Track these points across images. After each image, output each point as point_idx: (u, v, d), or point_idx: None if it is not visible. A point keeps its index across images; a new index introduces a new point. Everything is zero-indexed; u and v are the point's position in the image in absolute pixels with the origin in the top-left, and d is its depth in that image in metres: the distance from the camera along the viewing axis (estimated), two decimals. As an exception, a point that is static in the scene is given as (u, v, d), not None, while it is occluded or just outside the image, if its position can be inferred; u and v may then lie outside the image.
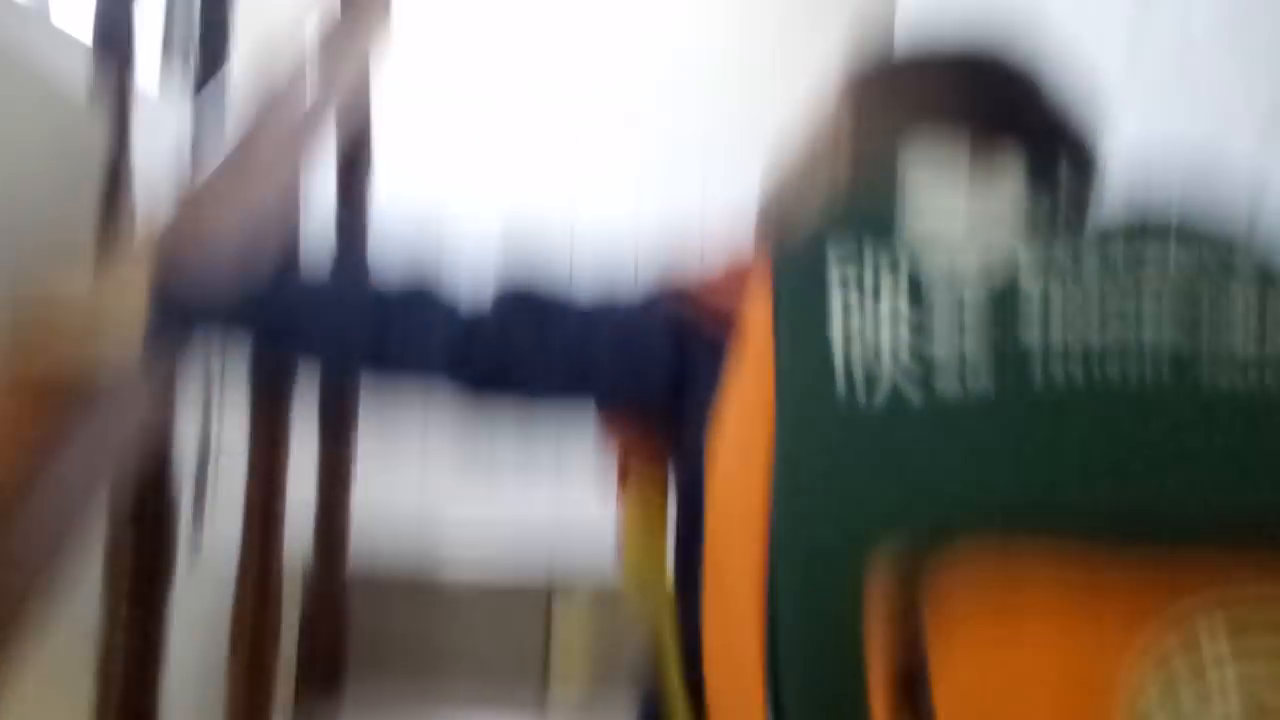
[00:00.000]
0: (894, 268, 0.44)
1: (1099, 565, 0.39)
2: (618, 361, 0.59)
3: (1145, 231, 0.46)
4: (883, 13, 2.65)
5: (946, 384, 0.41)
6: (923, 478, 0.41)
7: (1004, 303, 0.43)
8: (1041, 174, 0.50)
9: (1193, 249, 0.45)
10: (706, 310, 0.56)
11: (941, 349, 0.42)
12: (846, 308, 0.43)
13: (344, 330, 0.62)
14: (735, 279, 0.54)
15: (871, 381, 0.42)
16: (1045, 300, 0.43)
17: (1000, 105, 0.61)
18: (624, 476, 0.63)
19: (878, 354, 0.42)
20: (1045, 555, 0.39)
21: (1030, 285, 0.43)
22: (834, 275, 0.44)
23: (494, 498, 1.89)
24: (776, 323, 0.45)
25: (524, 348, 0.58)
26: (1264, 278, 0.45)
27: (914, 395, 0.41)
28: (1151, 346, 0.42)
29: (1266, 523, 0.41)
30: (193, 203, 0.84)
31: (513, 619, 1.56)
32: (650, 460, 0.61)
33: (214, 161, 0.90)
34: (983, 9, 1.56)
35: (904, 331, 0.42)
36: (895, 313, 0.43)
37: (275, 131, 0.98)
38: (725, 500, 0.47)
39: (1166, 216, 0.47)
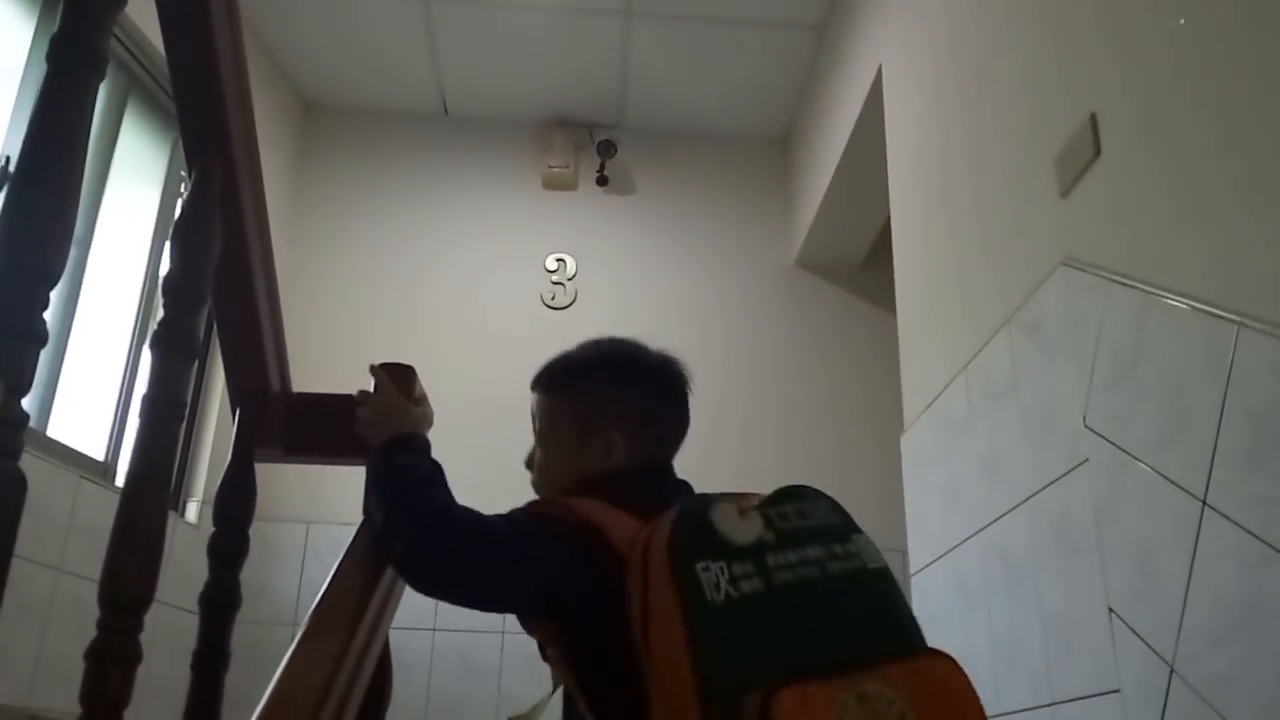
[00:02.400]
0: (722, 552, 0.89)
1: (831, 680, 0.82)
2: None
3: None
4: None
5: (753, 594, 0.88)
6: (760, 653, 0.85)
7: (776, 567, 0.91)
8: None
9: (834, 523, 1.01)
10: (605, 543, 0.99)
11: (749, 585, 0.88)
12: (705, 569, 0.88)
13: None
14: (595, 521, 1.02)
15: (727, 599, 0.86)
16: (793, 554, 0.92)
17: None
18: (545, 653, 1.08)
19: (720, 587, 0.87)
20: (809, 681, 0.82)
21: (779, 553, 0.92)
22: (698, 558, 0.88)
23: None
24: (676, 572, 0.88)
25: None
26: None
27: (745, 607, 0.87)
28: (840, 569, 0.94)
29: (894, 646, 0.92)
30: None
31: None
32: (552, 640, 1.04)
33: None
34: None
35: (729, 578, 0.88)
36: (726, 568, 0.88)
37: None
38: (664, 661, 0.87)
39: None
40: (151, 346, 1.08)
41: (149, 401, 1.05)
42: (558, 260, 3.87)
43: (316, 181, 3.98)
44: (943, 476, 2.18)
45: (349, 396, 1.38)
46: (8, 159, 2.64)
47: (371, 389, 1.30)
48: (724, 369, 3.80)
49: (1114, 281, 1.53)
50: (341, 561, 1.16)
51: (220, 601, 1.25)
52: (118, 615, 0.96)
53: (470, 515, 1.04)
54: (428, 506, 1.07)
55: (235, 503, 1.29)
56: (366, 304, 3.77)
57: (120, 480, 2.93)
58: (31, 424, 2.64)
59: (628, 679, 0.90)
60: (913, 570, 2.31)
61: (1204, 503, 1.27)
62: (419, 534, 1.04)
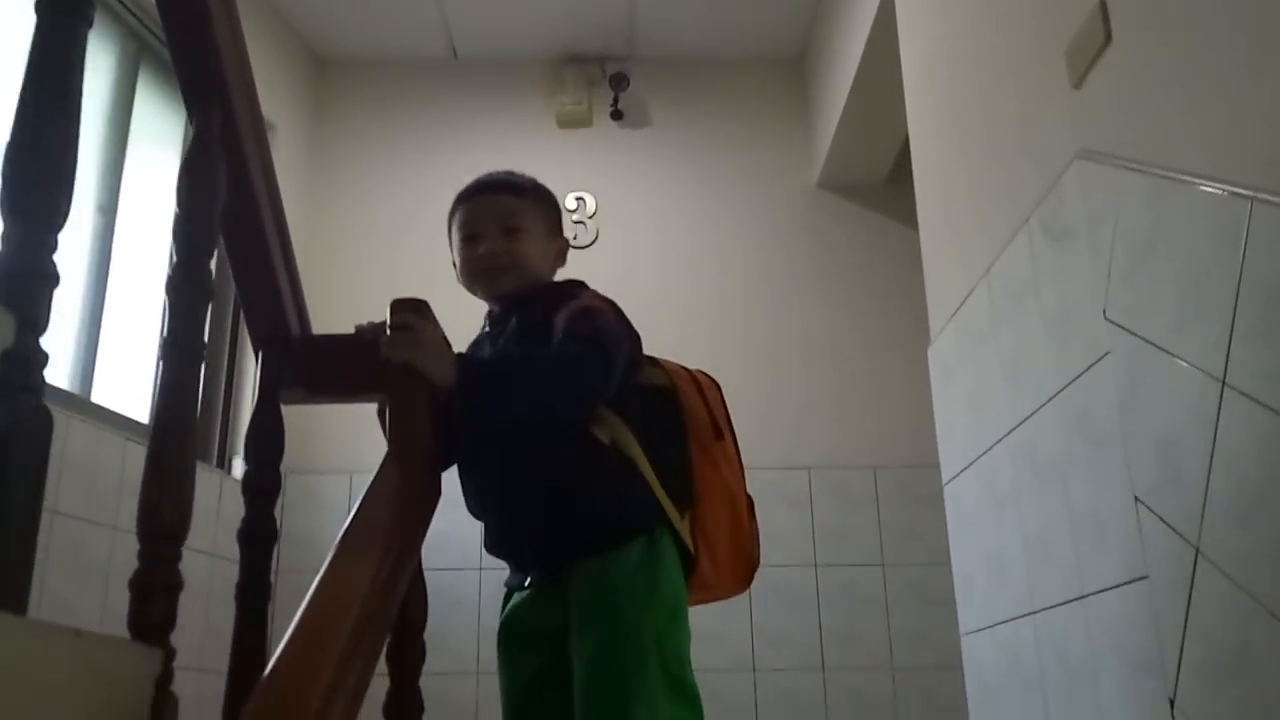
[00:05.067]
0: None
1: None
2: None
3: None
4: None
5: None
6: None
7: None
8: None
9: None
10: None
11: None
12: None
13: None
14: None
15: None
16: None
17: None
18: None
19: None
20: None
21: None
22: None
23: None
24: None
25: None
26: None
27: None
28: None
29: None
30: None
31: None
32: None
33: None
34: None
35: None
36: None
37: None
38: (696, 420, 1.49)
39: None
40: (166, 290, 1.11)
41: (168, 344, 1.08)
42: (577, 199, 3.87)
43: (333, 135, 3.99)
44: (969, 384, 2.18)
45: (363, 335, 1.41)
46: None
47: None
48: (749, 295, 3.79)
49: (1128, 169, 1.51)
50: (367, 491, 1.19)
51: (258, 536, 1.30)
52: (155, 545, 1.00)
53: (599, 341, 1.36)
54: (570, 355, 1.35)
55: (264, 442, 1.33)
56: (388, 254, 3.80)
57: (166, 441, 3.01)
58: (76, 390, 2.71)
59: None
60: (945, 480, 2.32)
61: (1223, 383, 1.26)
62: (603, 370, 1.34)
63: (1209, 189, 1.31)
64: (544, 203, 1.58)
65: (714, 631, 3.36)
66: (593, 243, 3.79)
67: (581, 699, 1.27)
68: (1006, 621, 1.96)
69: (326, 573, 1.01)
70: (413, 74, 4.06)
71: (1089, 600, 1.62)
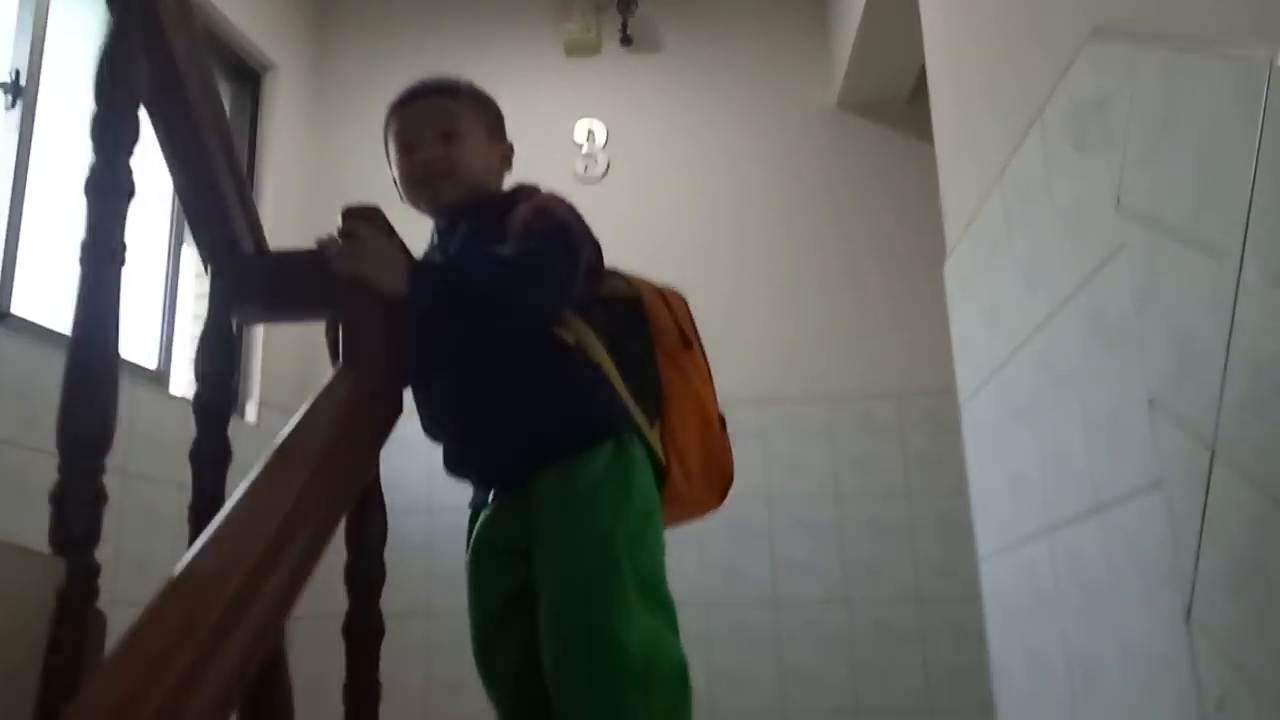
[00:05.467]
0: None
1: None
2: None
3: None
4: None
5: None
6: None
7: None
8: None
9: None
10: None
11: None
12: None
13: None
14: None
15: None
16: None
17: None
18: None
19: None
20: None
21: None
22: None
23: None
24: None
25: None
26: None
27: None
28: None
29: None
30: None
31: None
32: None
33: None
34: None
35: None
36: None
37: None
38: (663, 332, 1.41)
39: None
40: (84, 191, 1.04)
41: (86, 247, 1.02)
42: (587, 131, 3.75)
43: (336, 72, 3.91)
44: (985, 296, 2.07)
45: (322, 249, 1.34)
46: (17, 73, 2.64)
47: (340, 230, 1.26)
48: (768, 223, 3.67)
49: (1142, 44, 1.38)
50: (310, 404, 1.13)
51: (208, 456, 1.24)
52: (74, 456, 0.95)
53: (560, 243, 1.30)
54: (531, 249, 1.28)
55: (213, 360, 1.27)
56: (394, 190, 3.72)
57: (174, 388, 3.00)
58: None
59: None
60: (962, 399, 2.22)
61: (1241, 264, 1.15)
62: (570, 264, 1.28)
63: (1226, 53, 1.18)
64: (483, 104, 1.50)
65: (736, 565, 3.30)
66: (604, 174, 3.68)
67: (549, 610, 1.20)
68: (1023, 541, 1.87)
69: (253, 482, 0.95)
70: (416, 6, 3.95)
71: (1104, 512, 1.53)
